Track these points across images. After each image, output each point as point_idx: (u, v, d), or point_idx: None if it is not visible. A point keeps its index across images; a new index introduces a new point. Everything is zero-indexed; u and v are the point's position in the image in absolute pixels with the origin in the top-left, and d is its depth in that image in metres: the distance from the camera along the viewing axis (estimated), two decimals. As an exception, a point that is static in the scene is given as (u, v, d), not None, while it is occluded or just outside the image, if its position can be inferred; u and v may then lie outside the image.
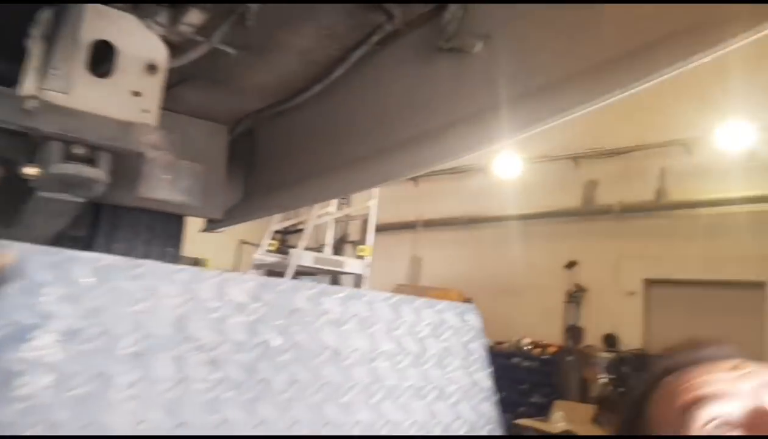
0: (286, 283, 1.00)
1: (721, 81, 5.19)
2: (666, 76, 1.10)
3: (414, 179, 8.49)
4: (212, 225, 2.57)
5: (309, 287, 0.99)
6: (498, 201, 7.80)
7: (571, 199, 7.23)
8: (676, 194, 6.50)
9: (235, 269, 9.31)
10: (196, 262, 8.70)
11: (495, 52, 1.60)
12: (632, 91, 1.08)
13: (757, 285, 5.93)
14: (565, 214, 7.27)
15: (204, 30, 1.82)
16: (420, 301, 1.14)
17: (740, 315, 5.98)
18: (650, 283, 6.65)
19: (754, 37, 1.00)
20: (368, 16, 1.84)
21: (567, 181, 7.32)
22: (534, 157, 7.38)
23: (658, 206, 6.58)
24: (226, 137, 2.55)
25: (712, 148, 6.22)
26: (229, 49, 1.89)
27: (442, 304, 1.21)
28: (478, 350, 1.16)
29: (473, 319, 1.23)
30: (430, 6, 1.75)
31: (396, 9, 1.79)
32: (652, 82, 1.06)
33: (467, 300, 7.73)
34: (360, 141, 2.07)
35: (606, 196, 7.01)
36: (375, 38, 1.89)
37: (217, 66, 2.04)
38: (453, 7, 1.65)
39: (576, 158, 7.29)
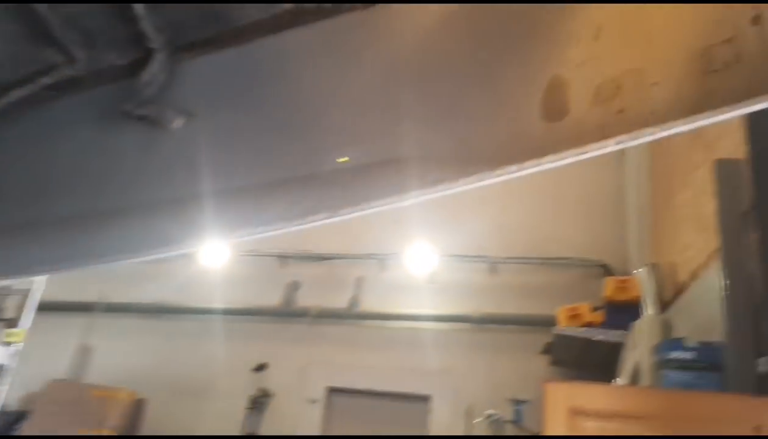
0: None
1: (414, 207, 5.78)
2: (375, 210, 0.95)
3: (103, 254, 7.42)
4: None
5: None
6: (197, 291, 7.26)
7: (272, 299, 7.12)
8: (368, 305, 6.90)
9: None
10: None
11: (197, 135, 1.31)
12: (341, 217, 0.91)
13: (424, 398, 6.47)
14: (263, 313, 7.09)
15: None
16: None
17: (409, 426, 6.42)
18: (332, 391, 6.76)
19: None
20: (39, 50, 1.40)
21: (271, 280, 7.23)
22: (242, 250, 7.14)
23: (350, 315, 6.87)
24: None
25: (402, 266, 6.84)
26: None
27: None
28: None
29: None
30: (126, 59, 1.40)
31: (80, 52, 1.40)
32: (355, 214, 0.90)
33: (140, 401, 6.80)
34: (8, 209, 1.54)
35: (305, 300, 7.08)
36: (46, 80, 1.45)
37: None
38: (155, 67, 1.33)
39: (282, 257, 7.29)
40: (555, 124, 0.91)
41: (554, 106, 0.94)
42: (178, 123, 1.34)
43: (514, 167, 0.81)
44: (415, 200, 0.89)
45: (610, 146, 0.76)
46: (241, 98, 1.28)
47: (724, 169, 3.27)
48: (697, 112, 0.76)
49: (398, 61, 1.06)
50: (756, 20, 0.86)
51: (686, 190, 4.59)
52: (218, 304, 7.15)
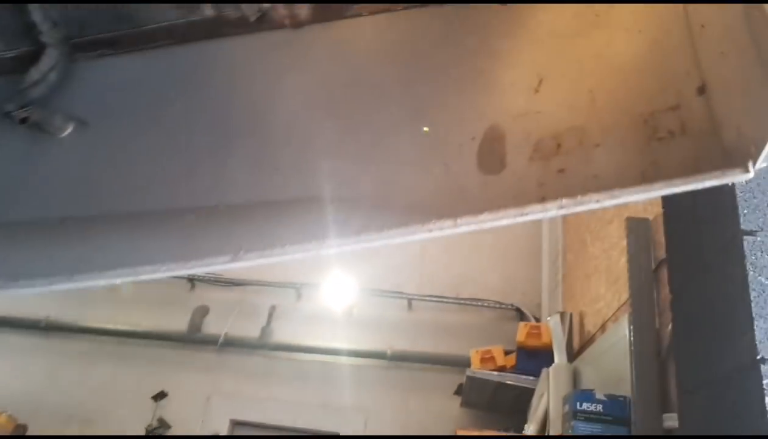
0: None
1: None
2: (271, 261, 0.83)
3: (-9, 262, 6.75)
4: None
5: None
6: (94, 309, 6.73)
7: (178, 323, 6.70)
8: (280, 336, 6.63)
9: None
10: None
11: (88, 147, 1.14)
12: (247, 262, 0.78)
13: (333, 436, 6.25)
14: (166, 337, 6.65)
15: None
16: None
17: (313, 465, 6.17)
18: (236, 424, 6.41)
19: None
20: None
21: (177, 303, 6.82)
22: (148, 269, 6.71)
23: (261, 345, 6.58)
24: None
25: (319, 297, 6.66)
26: None
27: None
28: None
29: None
30: (12, 51, 1.21)
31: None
32: (264, 261, 0.77)
33: (20, 427, 6.16)
34: None
35: (214, 326, 6.72)
36: None
37: None
38: (46, 65, 1.15)
39: (191, 279, 6.91)
40: (492, 177, 0.83)
41: (491, 157, 0.86)
42: (66, 131, 1.16)
43: (448, 222, 0.72)
44: (335, 250, 0.78)
45: (552, 210, 0.68)
46: (144, 110, 1.13)
47: (635, 227, 3.39)
48: (643, 182, 0.70)
49: (324, 89, 0.96)
50: (701, 90, 0.82)
51: (598, 242, 4.75)
52: (117, 325, 6.66)
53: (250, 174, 0.95)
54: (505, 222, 0.70)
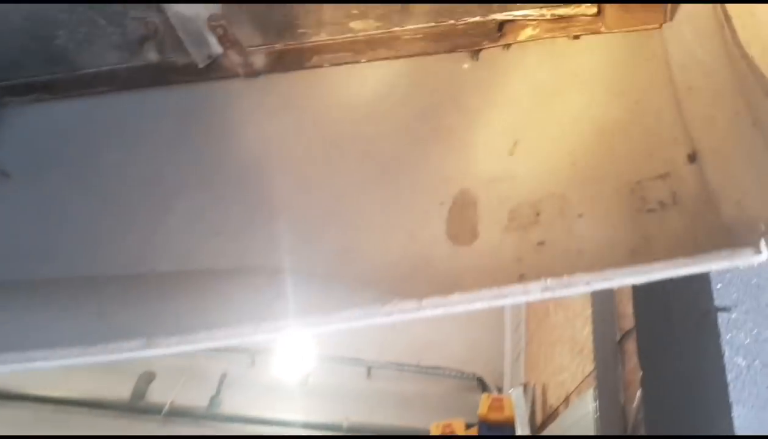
0: None
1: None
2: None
3: None
4: None
5: None
6: (31, 376, 6.24)
7: (121, 390, 6.27)
8: (230, 405, 6.26)
9: None
10: None
11: (6, 202, 1.00)
12: (162, 350, 0.65)
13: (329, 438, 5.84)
14: (107, 406, 6.19)
15: None
16: None
17: None
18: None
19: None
20: None
21: (122, 367, 6.40)
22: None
23: (210, 416, 6.19)
24: None
25: (273, 364, 6.37)
26: None
27: None
28: None
29: None
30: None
31: None
32: (187, 347, 0.65)
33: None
34: None
35: (160, 393, 6.30)
36: None
37: None
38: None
39: (140, 343, 6.54)
40: (462, 249, 0.73)
41: (462, 226, 0.77)
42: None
43: (411, 304, 0.61)
44: (275, 335, 0.65)
45: (535, 293, 0.58)
46: (75, 162, 1.00)
47: (600, 296, 3.33)
48: (636, 260, 0.61)
49: (279, 145, 0.86)
50: (692, 158, 0.75)
51: (561, 310, 4.69)
52: (55, 391, 6.18)
53: (187, 238, 0.83)
54: (478, 305, 0.60)
